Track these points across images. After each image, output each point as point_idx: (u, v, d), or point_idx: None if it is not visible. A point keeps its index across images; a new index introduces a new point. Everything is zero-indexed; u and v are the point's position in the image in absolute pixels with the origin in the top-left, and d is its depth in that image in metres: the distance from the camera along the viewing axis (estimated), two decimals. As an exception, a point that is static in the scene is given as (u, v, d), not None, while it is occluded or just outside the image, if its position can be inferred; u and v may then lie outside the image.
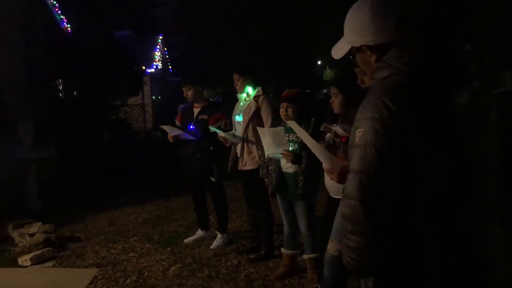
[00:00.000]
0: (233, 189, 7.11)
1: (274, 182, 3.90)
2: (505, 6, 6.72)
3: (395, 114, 1.38)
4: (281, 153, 3.70)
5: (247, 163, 4.51)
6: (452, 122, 1.43)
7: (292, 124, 2.70)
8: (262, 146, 4.06)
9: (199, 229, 5.35)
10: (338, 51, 1.71)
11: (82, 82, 10.42)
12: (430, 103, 1.41)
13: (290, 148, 3.75)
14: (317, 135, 3.29)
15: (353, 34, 1.61)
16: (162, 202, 7.38)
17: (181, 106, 6.84)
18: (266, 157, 3.92)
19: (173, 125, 5.28)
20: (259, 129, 3.98)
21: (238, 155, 4.61)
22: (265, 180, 4.01)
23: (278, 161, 3.89)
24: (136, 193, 8.15)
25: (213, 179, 4.96)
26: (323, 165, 1.97)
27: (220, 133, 4.55)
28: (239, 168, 4.60)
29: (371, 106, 1.43)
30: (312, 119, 3.76)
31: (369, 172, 1.40)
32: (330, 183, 3.19)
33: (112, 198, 7.74)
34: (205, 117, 5.00)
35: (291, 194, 3.87)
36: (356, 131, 1.45)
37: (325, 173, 2.15)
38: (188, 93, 5.10)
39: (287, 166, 3.84)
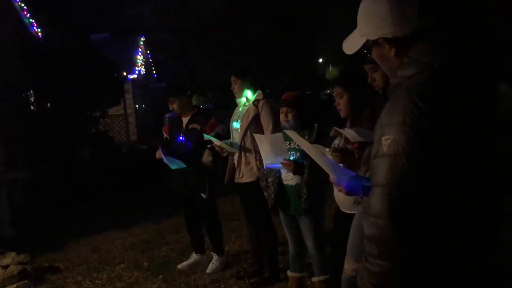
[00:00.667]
0: (230, 205, 7.10)
1: (273, 195, 3.90)
2: (502, 6, 6.85)
3: (428, 117, 1.36)
4: (280, 163, 3.69)
5: (244, 175, 4.51)
6: (485, 124, 1.42)
7: (291, 134, 2.70)
8: (260, 157, 4.05)
9: (193, 253, 5.32)
10: (351, 45, 1.68)
11: (56, 93, 10.42)
12: (465, 103, 1.40)
13: (292, 157, 3.74)
14: (322, 142, 3.29)
15: (368, 25, 1.58)
16: (151, 223, 7.35)
17: (168, 115, 6.83)
18: (265, 167, 3.91)
19: (160, 136, 5.28)
20: (256, 135, 3.99)
21: (236, 166, 4.60)
22: (264, 193, 4.00)
23: (278, 172, 3.89)
24: (121, 214, 8.11)
25: (204, 196, 4.94)
26: (330, 177, 1.97)
27: (216, 141, 4.54)
28: (235, 181, 4.60)
29: (400, 109, 1.40)
30: (316, 124, 3.76)
31: (401, 185, 1.36)
32: (340, 196, 3.17)
33: (94, 222, 7.70)
34: (196, 126, 4.99)
35: (294, 209, 3.87)
36: (383, 138, 1.42)
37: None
38: (173, 106, 5.11)
39: (288, 178, 3.83)
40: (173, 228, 6.86)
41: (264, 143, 3.83)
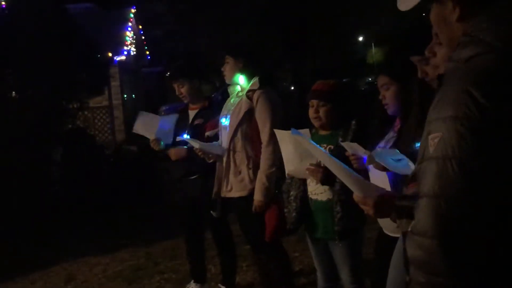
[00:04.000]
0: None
1: (294, 214, 3.82)
2: None
3: (487, 112, 1.34)
4: (306, 169, 3.61)
5: (233, 188, 4.47)
6: None
7: (305, 142, 2.65)
8: (254, 164, 4.11)
9: (192, 282, 5.35)
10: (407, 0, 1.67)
11: (22, 78, 10.46)
12: None
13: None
14: (362, 143, 3.25)
15: None
16: (140, 247, 7.37)
17: (164, 107, 6.81)
18: (287, 176, 3.87)
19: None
20: (277, 132, 3.85)
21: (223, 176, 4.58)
22: (284, 210, 3.94)
23: (303, 184, 3.82)
24: (103, 234, 8.15)
25: (214, 214, 4.93)
26: (354, 195, 1.99)
27: (193, 143, 4.51)
28: (222, 194, 4.58)
29: (451, 101, 1.40)
30: (353, 121, 3.70)
31: (451, 196, 1.36)
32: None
33: (69, 244, 7.75)
34: (201, 121, 5.01)
35: (324, 232, 3.79)
36: (430, 137, 1.43)
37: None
38: (182, 90, 5.11)
39: (318, 191, 3.75)
40: (168, 252, 6.88)
41: (286, 141, 3.73)
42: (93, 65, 12.47)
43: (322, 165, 3.54)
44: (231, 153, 4.44)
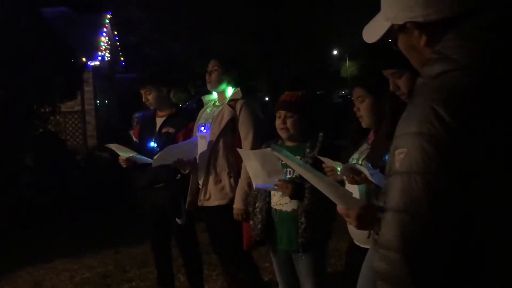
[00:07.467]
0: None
1: (260, 226, 3.80)
2: None
3: (452, 131, 1.36)
4: (275, 185, 3.61)
5: (212, 197, 4.44)
6: None
7: (280, 155, 2.68)
8: (235, 173, 4.09)
9: (159, 289, 5.33)
10: (373, 31, 1.70)
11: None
12: (506, 113, 1.39)
13: (288, 176, 3.69)
14: (330, 156, 3.28)
15: (395, 6, 1.59)
16: (109, 253, 7.34)
17: (137, 114, 6.79)
18: (255, 188, 3.87)
19: (127, 141, 5.26)
20: (241, 151, 3.92)
21: (200, 185, 4.55)
22: (250, 222, 3.93)
23: (267, 196, 3.82)
24: (71, 241, 8.08)
25: (179, 221, 4.93)
26: (337, 207, 1.99)
27: (155, 161, 4.50)
28: (199, 203, 4.53)
29: (418, 117, 1.41)
30: (321, 134, 3.73)
31: (415, 211, 1.37)
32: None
33: (37, 249, 7.68)
34: (171, 130, 5.00)
35: (287, 244, 3.76)
36: (396, 152, 1.44)
37: None
38: (148, 97, 5.10)
39: (283, 202, 3.73)
40: (137, 260, 6.85)
41: (252, 160, 3.75)
42: (66, 70, 12.38)
43: (298, 175, 3.58)
44: (211, 161, 4.42)
